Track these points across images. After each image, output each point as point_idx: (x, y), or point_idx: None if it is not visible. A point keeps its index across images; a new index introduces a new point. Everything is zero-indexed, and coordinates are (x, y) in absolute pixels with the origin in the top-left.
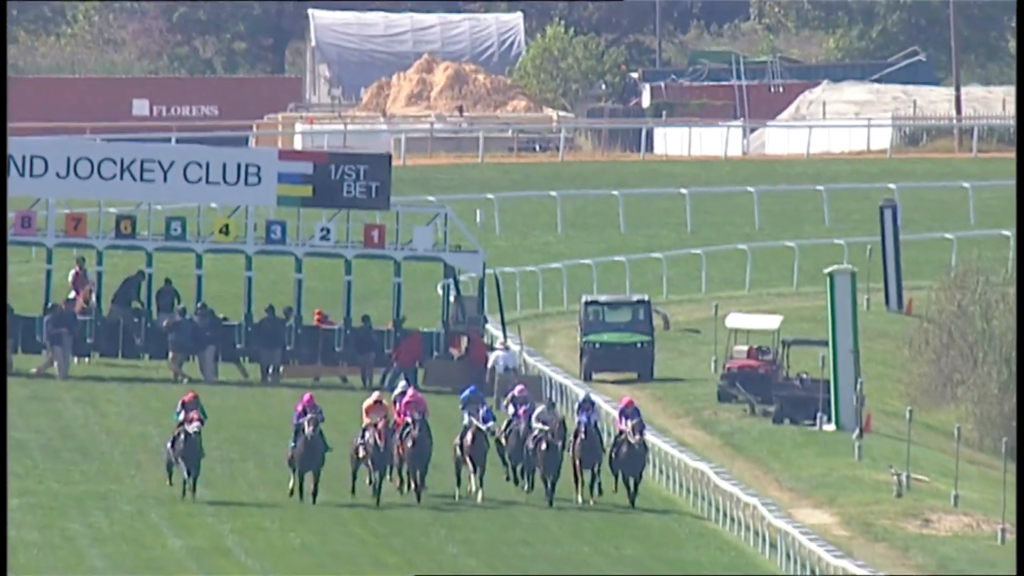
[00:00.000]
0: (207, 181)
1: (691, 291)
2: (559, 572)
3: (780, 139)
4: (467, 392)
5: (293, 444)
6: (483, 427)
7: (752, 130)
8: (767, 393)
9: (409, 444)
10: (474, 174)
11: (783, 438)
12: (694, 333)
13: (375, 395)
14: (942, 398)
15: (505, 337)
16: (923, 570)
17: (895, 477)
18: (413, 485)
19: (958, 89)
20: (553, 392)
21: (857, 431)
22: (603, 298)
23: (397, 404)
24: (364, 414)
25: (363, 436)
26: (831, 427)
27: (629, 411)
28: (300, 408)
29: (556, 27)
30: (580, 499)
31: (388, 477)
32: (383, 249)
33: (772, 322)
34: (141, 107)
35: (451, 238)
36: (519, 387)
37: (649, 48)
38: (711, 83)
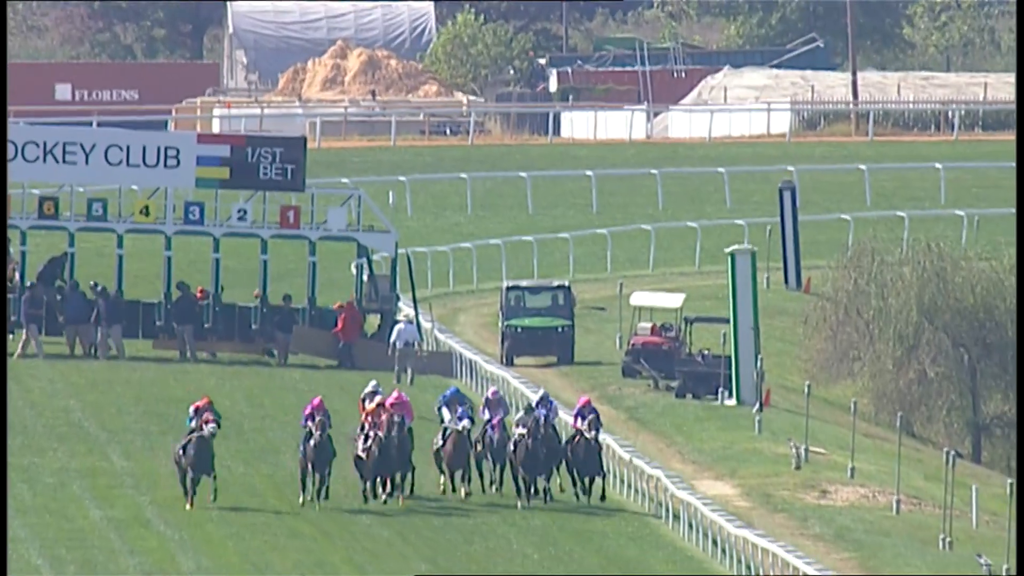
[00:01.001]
0: (128, 163)
1: (596, 270)
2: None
3: (683, 123)
4: (448, 392)
5: (302, 450)
6: (458, 427)
7: (656, 114)
8: (670, 369)
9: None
10: (386, 157)
11: (686, 412)
12: (599, 311)
13: (378, 398)
14: (839, 373)
15: (417, 314)
16: (821, 539)
17: (794, 450)
18: (389, 489)
19: (854, 74)
20: (463, 368)
21: (757, 405)
22: (524, 283)
23: (365, 403)
24: (364, 416)
25: (366, 440)
26: (732, 402)
27: (586, 411)
28: (308, 411)
29: (466, 14)
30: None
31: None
32: (298, 229)
33: (675, 300)
34: (64, 92)
35: (364, 219)
36: (492, 390)
37: (556, 35)
38: (616, 69)
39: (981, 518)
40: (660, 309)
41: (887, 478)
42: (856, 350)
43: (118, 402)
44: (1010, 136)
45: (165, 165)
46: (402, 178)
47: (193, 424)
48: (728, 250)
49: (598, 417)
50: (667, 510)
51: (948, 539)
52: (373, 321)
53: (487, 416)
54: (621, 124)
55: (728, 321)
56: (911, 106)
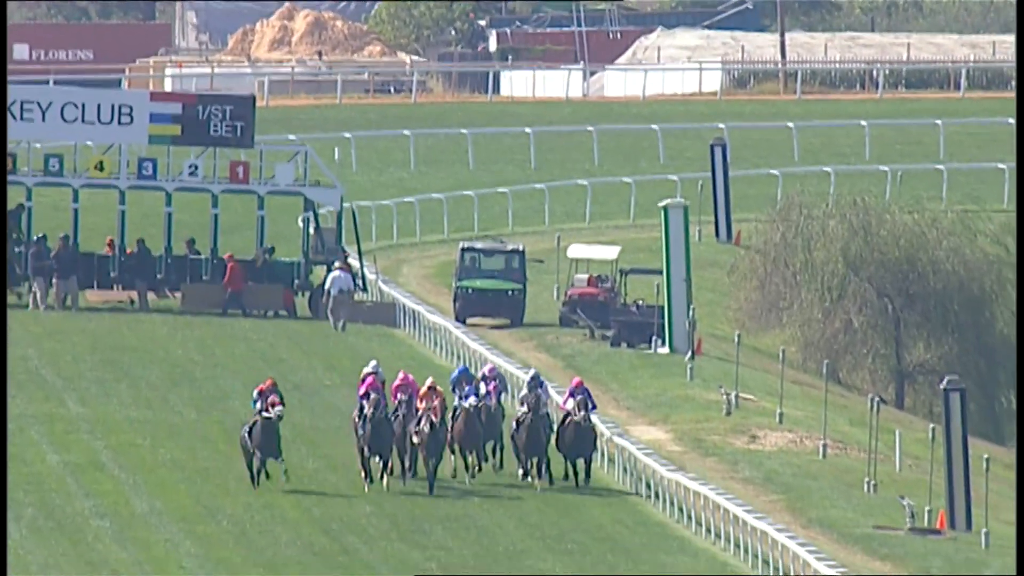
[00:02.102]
0: (83, 121)
1: (535, 224)
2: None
3: (618, 82)
4: (456, 373)
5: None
6: (466, 404)
7: (592, 73)
8: (606, 318)
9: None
10: (332, 114)
11: (620, 360)
12: (538, 263)
13: (429, 380)
14: (768, 323)
15: (362, 266)
16: (750, 482)
17: (724, 396)
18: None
19: (783, 35)
20: (406, 318)
21: (689, 354)
22: (479, 245)
23: (365, 382)
24: (418, 400)
25: (419, 423)
26: (665, 350)
27: (577, 391)
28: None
29: None
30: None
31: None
32: (247, 184)
33: (610, 252)
34: (21, 51)
35: (311, 174)
36: (489, 367)
37: None
38: (553, 29)
39: (904, 462)
40: (596, 261)
41: (814, 423)
42: (784, 300)
43: (74, 351)
44: (932, 94)
45: (119, 122)
46: (347, 135)
47: (258, 406)
48: (661, 204)
49: (590, 396)
50: (602, 455)
51: (873, 482)
52: (320, 272)
53: (482, 388)
54: (558, 83)
55: (661, 272)
56: (837, 66)
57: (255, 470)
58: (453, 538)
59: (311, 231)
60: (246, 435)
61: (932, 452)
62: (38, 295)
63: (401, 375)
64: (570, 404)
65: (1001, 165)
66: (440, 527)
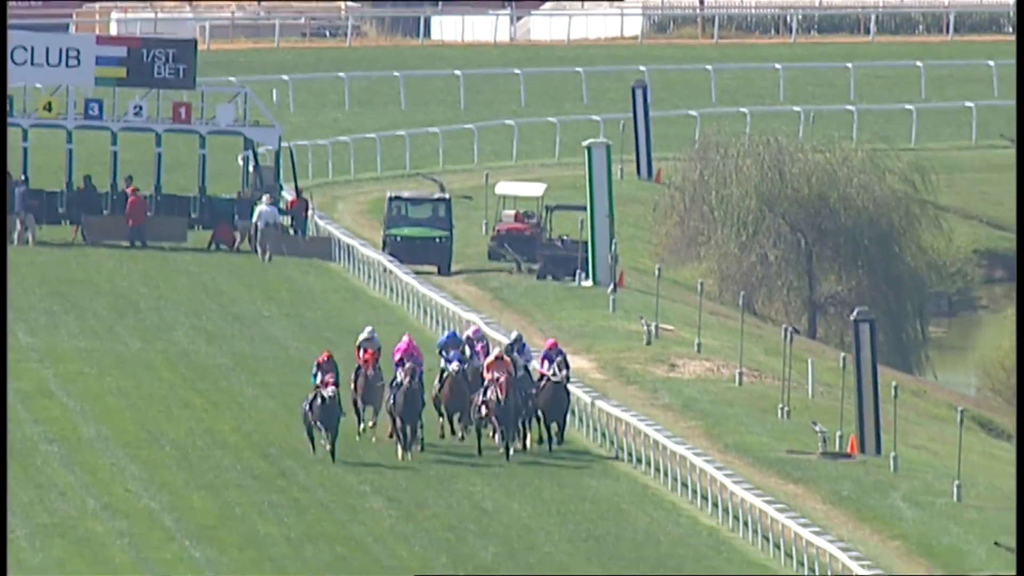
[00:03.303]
0: (32, 63)
1: (464, 162)
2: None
3: (543, 26)
4: (444, 337)
5: (391, 398)
6: (451, 368)
7: (518, 18)
8: (532, 253)
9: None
10: (271, 58)
11: (546, 293)
12: (467, 199)
13: (496, 351)
14: (686, 257)
15: (299, 198)
16: (670, 409)
17: (645, 327)
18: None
19: None
20: (341, 252)
21: (611, 286)
22: (406, 194)
23: (361, 350)
24: (485, 370)
25: (485, 393)
26: (588, 283)
27: (552, 353)
28: (398, 357)
29: None
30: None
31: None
32: (189, 124)
33: (536, 189)
34: None
35: (250, 115)
36: (473, 328)
37: None
38: None
39: (816, 389)
40: (523, 198)
41: (731, 353)
42: (702, 235)
43: (24, 283)
44: (843, 39)
45: (67, 65)
46: (285, 77)
47: (318, 380)
48: (585, 143)
49: (566, 359)
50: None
51: (786, 408)
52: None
53: (467, 350)
54: (487, 27)
55: (585, 209)
56: (753, 11)
57: (313, 440)
58: (387, 459)
59: (250, 169)
60: (307, 408)
61: (843, 380)
62: (30, 233)
63: (405, 340)
64: (545, 366)
65: (908, 106)
66: (374, 451)
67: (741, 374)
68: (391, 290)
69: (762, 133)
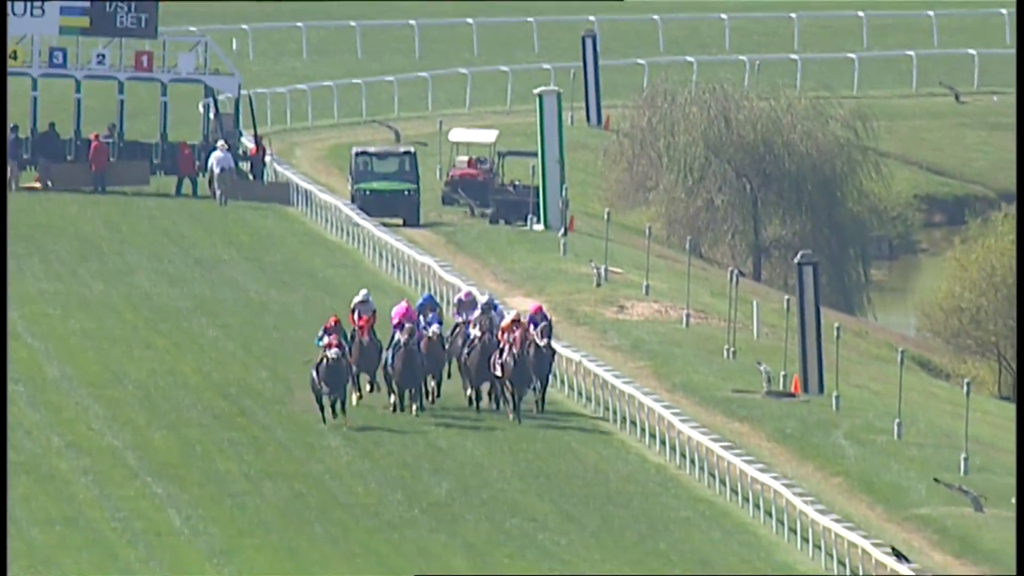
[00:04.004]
0: None
1: (419, 109)
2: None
3: None
4: (421, 300)
5: (390, 360)
6: (428, 333)
7: None
8: (485, 197)
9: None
10: (231, 7)
11: (498, 236)
12: (422, 146)
13: (513, 314)
14: (635, 201)
15: (258, 146)
16: (619, 350)
17: (595, 270)
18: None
19: None
20: (299, 197)
21: (562, 230)
22: (372, 149)
23: (356, 314)
24: (500, 332)
25: (501, 355)
26: (540, 227)
27: (537, 317)
28: (396, 320)
29: None
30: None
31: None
32: (151, 73)
33: (489, 136)
34: None
35: (211, 63)
36: (465, 292)
37: None
38: None
39: (761, 330)
40: (475, 144)
41: (678, 295)
42: (650, 181)
43: None
44: None
45: (32, 14)
46: (245, 27)
47: (324, 343)
48: (536, 91)
49: (550, 324)
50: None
51: (732, 349)
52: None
53: (460, 319)
54: None
55: (536, 155)
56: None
57: (323, 405)
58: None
59: (211, 116)
60: (314, 373)
61: (787, 321)
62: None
63: (403, 305)
64: (532, 330)
65: (851, 55)
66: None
67: (688, 315)
68: (348, 234)
69: (708, 81)
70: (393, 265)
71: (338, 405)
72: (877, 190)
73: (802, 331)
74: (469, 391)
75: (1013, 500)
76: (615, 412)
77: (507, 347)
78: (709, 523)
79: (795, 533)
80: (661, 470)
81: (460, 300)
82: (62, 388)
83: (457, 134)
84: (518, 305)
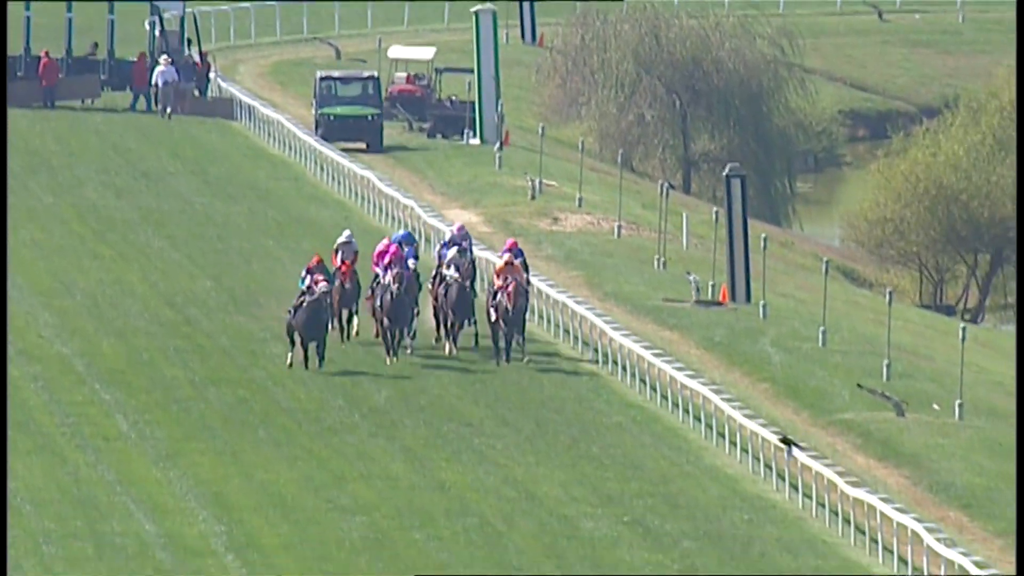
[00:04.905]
0: None
1: (359, 27)
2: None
3: None
4: (397, 235)
5: (379, 304)
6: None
7: None
8: (423, 112)
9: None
10: None
11: (436, 150)
12: (361, 62)
13: (506, 256)
14: (568, 116)
15: (202, 62)
16: (553, 260)
17: (529, 182)
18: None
19: None
20: (242, 112)
21: (498, 144)
22: (336, 74)
23: (339, 254)
24: (495, 275)
25: (495, 298)
26: (476, 141)
27: (514, 252)
28: (387, 260)
29: None
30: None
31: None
32: None
33: (427, 53)
34: None
35: None
36: (458, 225)
37: None
38: None
39: (690, 241)
40: (414, 61)
41: (610, 207)
42: (583, 96)
43: None
44: None
45: None
46: None
47: (306, 283)
48: (473, 10)
49: (525, 261)
50: (420, 235)
51: (662, 259)
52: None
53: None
54: None
55: (473, 71)
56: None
57: (297, 354)
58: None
59: (157, 34)
60: (290, 317)
61: (715, 232)
62: None
63: (392, 247)
64: (499, 266)
65: None
66: (274, 300)
67: (620, 227)
68: (290, 148)
69: (640, 0)
70: (333, 178)
71: (312, 349)
72: (803, 105)
73: (730, 242)
74: (441, 331)
75: (935, 406)
76: (549, 321)
77: (501, 291)
78: (640, 428)
79: (723, 438)
80: (593, 376)
81: (453, 234)
82: (12, 297)
83: (396, 51)
84: (455, 217)
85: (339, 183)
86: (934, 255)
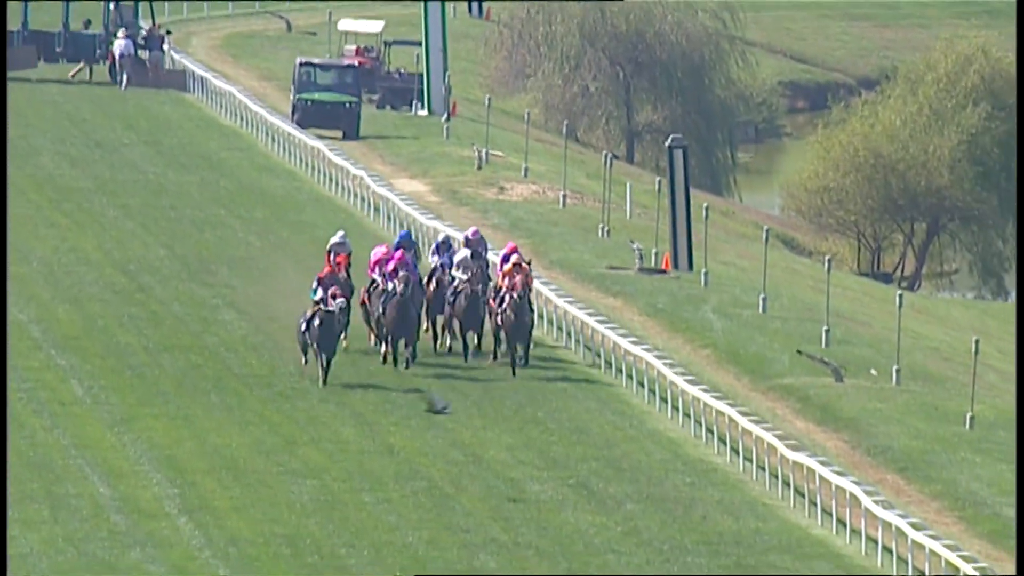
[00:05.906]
0: None
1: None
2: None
3: None
4: (398, 237)
5: (381, 309)
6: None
7: None
8: (371, 84)
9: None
10: None
11: (385, 121)
12: (311, 35)
13: (514, 258)
14: (514, 88)
15: (156, 31)
16: (499, 228)
17: (476, 153)
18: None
19: None
20: (195, 84)
21: (445, 115)
22: (316, 60)
23: (332, 255)
24: (501, 278)
25: (501, 304)
26: (424, 112)
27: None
28: (391, 267)
29: None
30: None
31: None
32: None
33: (376, 26)
34: None
35: None
36: (472, 230)
37: None
38: None
39: (634, 210)
40: (363, 34)
41: (555, 177)
42: (529, 68)
43: None
44: None
45: None
46: None
47: (318, 296)
48: None
49: (528, 261)
50: (370, 204)
51: (606, 228)
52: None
53: (436, 261)
54: None
55: (421, 44)
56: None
57: (310, 362)
58: (239, 275)
59: (111, 7)
60: (303, 325)
61: (658, 202)
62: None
63: (398, 253)
64: (507, 268)
65: None
66: (225, 267)
67: (565, 196)
68: (241, 119)
69: None
70: (285, 149)
71: (322, 361)
72: (744, 77)
73: (672, 211)
74: (451, 341)
75: (872, 371)
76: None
77: (508, 294)
78: (584, 393)
79: (666, 402)
80: (539, 342)
81: (438, 244)
82: None
83: (345, 24)
84: (404, 187)
85: (290, 153)
86: (872, 224)
